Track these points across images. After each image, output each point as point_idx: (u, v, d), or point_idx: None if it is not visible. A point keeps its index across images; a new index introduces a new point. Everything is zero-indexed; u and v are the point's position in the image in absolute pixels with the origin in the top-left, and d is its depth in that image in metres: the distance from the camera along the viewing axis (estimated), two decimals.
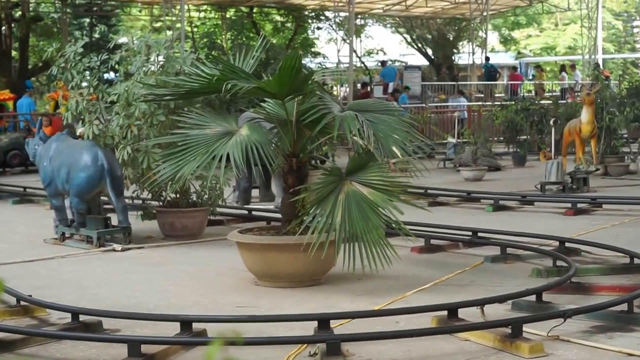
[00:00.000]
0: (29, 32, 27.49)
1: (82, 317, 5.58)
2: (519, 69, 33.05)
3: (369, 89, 26.26)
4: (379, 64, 30.83)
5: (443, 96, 26.50)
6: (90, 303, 6.19)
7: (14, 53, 27.39)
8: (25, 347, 5.27)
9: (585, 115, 14.69)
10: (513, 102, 19.23)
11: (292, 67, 6.63)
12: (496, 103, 21.26)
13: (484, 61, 30.20)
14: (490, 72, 29.15)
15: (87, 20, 31.60)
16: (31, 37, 28.53)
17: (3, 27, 25.58)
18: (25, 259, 8.34)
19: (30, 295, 6.12)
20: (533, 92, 26.95)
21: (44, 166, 9.43)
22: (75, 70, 9.47)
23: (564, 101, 21.29)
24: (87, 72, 9.64)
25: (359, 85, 27.21)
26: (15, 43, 26.91)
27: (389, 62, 31.52)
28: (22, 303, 6.08)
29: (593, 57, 30.39)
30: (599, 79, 16.75)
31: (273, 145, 7.18)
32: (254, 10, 31.99)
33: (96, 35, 31.64)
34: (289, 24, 33.39)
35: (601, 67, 27.20)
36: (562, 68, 30.81)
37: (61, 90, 12.34)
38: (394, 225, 6.62)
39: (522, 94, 26.02)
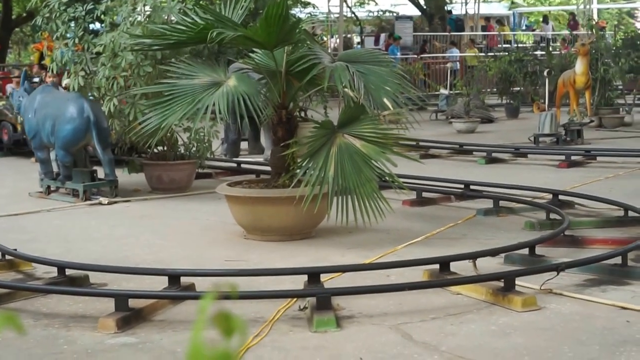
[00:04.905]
0: None
1: (68, 272, 5.54)
2: (512, 20, 32.71)
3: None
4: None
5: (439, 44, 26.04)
6: (77, 257, 6.15)
7: None
8: (11, 301, 5.22)
9: (580, 66, 14.57)
10: (507, 53, 19.03)
11: (278, 15, 6.46)
12: (489, 54, 21.00)
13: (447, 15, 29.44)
14: (457, 23, 28.69)
15: None
16: None
17: None
18: (11, 213, 8.25)
19: (16, 249, 6.06)
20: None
21: (29, 118, 9.28)
22: (60, 21, 9.27)
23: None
24: (72, 23, 9.41)
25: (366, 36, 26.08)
26: None
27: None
28: (7, 257, 6.03)
29: (588, 7, 30.04)
30: (594, 30, 16.55)
31: (262, 96, 7.06)
32: None
33: None
34: None
35: (596, 17, 26.96)
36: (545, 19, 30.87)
37: (46, 41, 12.12)
38: (387, 178, 6.55)
39: (515, 45, 25.72)
